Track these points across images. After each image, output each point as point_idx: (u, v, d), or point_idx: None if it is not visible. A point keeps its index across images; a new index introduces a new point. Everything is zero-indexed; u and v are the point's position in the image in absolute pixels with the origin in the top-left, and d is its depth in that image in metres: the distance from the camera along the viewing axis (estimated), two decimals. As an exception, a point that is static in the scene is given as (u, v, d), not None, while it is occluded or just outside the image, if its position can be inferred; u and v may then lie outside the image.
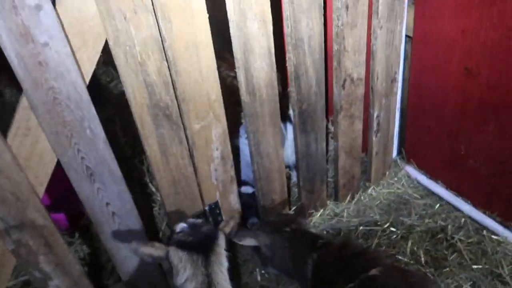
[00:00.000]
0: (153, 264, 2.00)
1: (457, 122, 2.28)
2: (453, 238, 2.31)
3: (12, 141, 1.43)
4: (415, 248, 2.29)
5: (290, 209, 2.44)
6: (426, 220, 2.45)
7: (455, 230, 2.37)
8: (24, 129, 1.45)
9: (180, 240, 1.43)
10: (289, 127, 2.49)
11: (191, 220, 1.55)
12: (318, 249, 1.69)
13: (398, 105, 2.56)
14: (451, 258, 2.21)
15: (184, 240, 1.43)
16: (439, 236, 2.34)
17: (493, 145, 2.13)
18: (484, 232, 2.31)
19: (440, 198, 2.58)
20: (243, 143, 2.38)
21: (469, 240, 2.29)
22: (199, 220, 1.56)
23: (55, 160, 1.56)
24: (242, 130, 2.46)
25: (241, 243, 1.82)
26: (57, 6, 1.30)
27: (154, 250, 1.43)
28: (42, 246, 1.65)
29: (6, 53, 1.28)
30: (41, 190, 1.57)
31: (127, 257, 1.90)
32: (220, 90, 1.75)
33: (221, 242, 1.47)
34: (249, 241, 1.81)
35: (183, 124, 1.73)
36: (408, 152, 2.78)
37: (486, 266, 2.15)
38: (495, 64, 1.94)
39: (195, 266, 1.38)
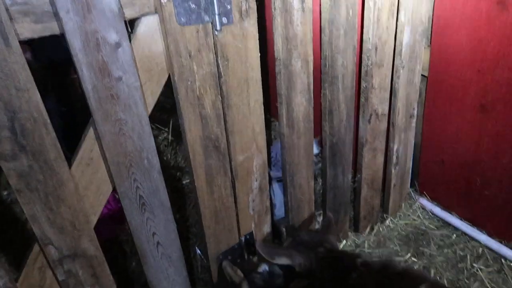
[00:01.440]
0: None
1: (472, 155, 2.43)
2: (473, 267, 2.40)
3: (75, 170, 1.47)
4: (438, 278, 2.36)
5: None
6: (445, 250, 2.53)
7: (474, 259, 2.46)
8: (87, 159, 1.49)
9: (254, 281, 1.63)
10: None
11: (274, 267, 1.68)
12: (357, 269, 1.66)
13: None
14: (473, 287, 2.28)
15: (257, 282, 1.59)
16: (459, 265, 2.43)
17: (509, 175, 2.27)
18: (503, 260, 2.41)
19: (456, 229, 2.68)
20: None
21: (489, 270, 2.38)
22: (279, 271, 1.66)
23: (110, 190, 1.60)
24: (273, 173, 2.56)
25: (274, 261, 1.81)
26: (132, 43, 1.40)
27: (234, 275, 1.66)
28: (90, 277, 1.64)
29: (83, 86, 1.34)
30: (94, 219, 1.59)
31: (166, 288, 1.90)
32: (264, 123, 1.84)
33: None
34: (283, 260, 1.80)
35: (229, 155, 1.80)
36: (421, 184, 2.90)
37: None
38: (510, 100, 2.11)
39: None
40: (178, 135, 3.27)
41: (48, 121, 1.32)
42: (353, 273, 1.68)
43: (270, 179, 2.50)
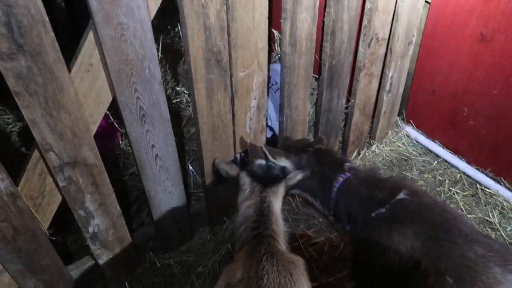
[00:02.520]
0: (184, 210, 2.08)
1: (464, 86, 2.47)
2: (450, 191, 2.56)
3: (74, 76, 1.41)
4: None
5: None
6: (426, 175, 2.68)
7: (452, 184, 2.62)
8: (86, 64, 1.43)
9: (252, 170, 1.68)
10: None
11: (271, 161, 1.74)
12: (344, 172, 1.75)
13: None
14: (449, 208, 2.46)
15: (255, 171, 1.66)
16: (438, 189, 2.58)
17: (497, 106, 2.34)
18: (478, 186, 2.57)
19: (437, 156, 2.81)
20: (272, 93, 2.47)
21: (465, 193, 2.55)
22: (278, 165, 1.74)
23: (110, 99, 1.57)
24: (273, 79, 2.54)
25: (275, 161, 1.87)
26: None
27: (231, 169, 1.76)
28: (90, 185, 1.66)
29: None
30: (93, 128, 1.58)
31: (162, 200, 1.96)
32: (267, 39, 1.79)
33: (281, 188, 1.63)
34: (283, 161, 1.85)
35: (230, 70, 1.76)
36: (409, 113, 2.97)
37: (479, 215, 2.42)
38: (510, 32, 2.11)
39: (253, 191, 1.60)
40: (168, 52, 3.15)
41: (47, 19, 1.23)
42: (339, 175, 1.75)
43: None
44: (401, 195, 1.60)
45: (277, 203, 1.57)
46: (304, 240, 2.28)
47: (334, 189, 1.75)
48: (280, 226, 1.55)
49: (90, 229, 1.78)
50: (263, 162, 1.72)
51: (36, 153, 1.50)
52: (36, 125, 1.38)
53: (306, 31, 1.89)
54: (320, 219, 2.41)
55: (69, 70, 1.39)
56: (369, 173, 1.79)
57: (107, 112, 2.02)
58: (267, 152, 1.75)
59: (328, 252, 2.25)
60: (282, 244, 1.41)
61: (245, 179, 1.63)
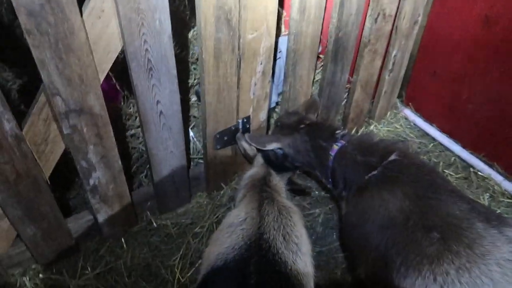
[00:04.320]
0: (183, 171, 2.09)
1: (465, 68, 2.50)
2: (443, 172, 2.60)
3: (86, 20, 1.41)
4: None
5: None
6: (421, 157, 2.72)
7: (445, 166, 2.67)
8: (98, 10, 1.43)
9: (267, 155, 1.88)
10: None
11: (285, 148, 1.93)
12: (337, 140, 1.82)
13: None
14: (442, 189, 2.50)
15: (269, 156, 1.88)
16: (432, 168, 2.63)
17: (495, 89, 2.38)
18: (471, 169, 2.62)
19: (434, 139, 2.85)
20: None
21: (458, 176, 2.59)
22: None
23: (119, 49, 1.56)
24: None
25: (265, 149, 1.94)
26: None
27: (250, 149, 1.95)
28: (94, 135, 1.67)
29: None
30: (101, 77, 1.58)
31: (163, 159, 1.97)
32: (277, 2, 1.79)
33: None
34: (273, 145, 1.94)
35: (239, 31, 1.77)
36: (408, 95, 3.00)
37: (470, 197, 2.46)
38: (515, 15, 2.14)
39: (260, 168, 1.83)
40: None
41: (63, -45, 1.23)
42: (334, 144, 1.81)
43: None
44: (392, 157, 1.67)
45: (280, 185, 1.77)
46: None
47: (330, 158, 1.82)
48: (281, 187, 1.61)
49: (91, 182, 1.79)
50: (280, 151, 1.90)
51: (42, 98, 1.51)
52: (45, 67, 1.38)
53: (316, -2, 1.90)
54: (317, 192, 2.44)
55: (81, 14, 1.38)
56: (362, 138, 1.86)
57: (110, 73, 2.03)
58: (254, 145, 1.95)
59: (322, 223, 2.30)
60: (283, 198, 1.46)
61: (259, 160, 1.82)
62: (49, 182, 1.72)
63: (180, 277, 1.92)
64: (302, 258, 1.27)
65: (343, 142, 1.81)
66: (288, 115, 2.14)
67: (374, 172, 1.65)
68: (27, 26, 1.28)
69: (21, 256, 1.88)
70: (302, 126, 1.95)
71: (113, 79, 2.35)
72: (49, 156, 1.66)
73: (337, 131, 1.87)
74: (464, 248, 1.35)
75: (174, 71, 1.71)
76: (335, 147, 1.81)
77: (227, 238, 1.26)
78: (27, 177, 1.61)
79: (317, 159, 1.88)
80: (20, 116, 1.54)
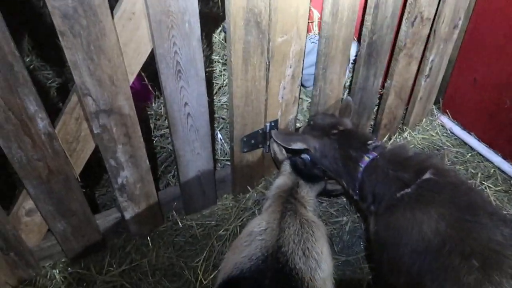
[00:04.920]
0: (210, 173, 2.10)
1: (509, 76, 2.36)
2: (482, 184, 2.47)
3: (117, 23, 1.44)
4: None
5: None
6: (458, 167, 2.59)
7: (484, 178, 2.53)
8: (129, 13, 1.45)
9: (295, 163, 1.86)
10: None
11: (311, 150, 1.90)
12: (369, 152, 1.75)
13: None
14: (479, 201, 2.37)
15: (297, 164, 1.85)
16: (470, 182, 2.50)
17: (542, 100, 2.24)
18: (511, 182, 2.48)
19: (472, 149, 2.71)
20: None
21: (497, 188, 2.45)
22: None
23: (149, 51, 1.58)
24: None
25: (290, 147, 1.90)
26: None
27: (280, 153, 1.97)
28: (122, 135, 1.70)
29: None
30: (131, 78, 1.60)
31: (190, 161, 1.98)
32: (308, 6, 1.76)
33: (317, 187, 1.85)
34: (298, 145, 1.89)
35: (268, 35, 1.75)
36: (446, 102, 2.88)
37: (511, 212, 2.33)
38: None
39: (288, 177, 1.82)
40: (206, 21, 3.16)
41: (96, -40, 1.25)
42: (365, 156, 1.74)
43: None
44: (427, 175, 1.58)
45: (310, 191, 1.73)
46: (326, 217, 2.26)
47: (360, 169, 1.74)
48: (309, 199, 1.58)
49: (119, 180, 1.83)
50: (308, 156, 1.88)
51: (74, 97, 1.55)
52: (77, 68, 1.42)
53: (349, 0, 1.85)
54: (344, 199, 2.38)
55: (112, 16, 1.41)
56: (395, 151, 1.76)
57: (142, 73, 2.06)
58: (279, 142, 1.96)
59: (350, 232, 2.23)
60: (309, 211, 1.42)
61: (286, 167, 1.81)
62: (79, 179, 1.76)
63: (203, 279, 1.92)
64: (321, 276, 1.22)
65: (375, 154, 1.74)
66: (323, 117, 2.09)
67: (408, 190, 1.56)
68: (61, 28, 1.32)
69: (52, 249, 1.94)
70: (335, 131, 1.89)
71: (145, 79, 2.40)
72: (79, 154, 1.70)
73: (370, 142, 1.79)
74: (507, 279, 1.24)
75: (203, 74, 1.72)
76: (366, 159, 1.74)
77: (245, 247, 1.24)
78: (59, 174, 1.66)
79: (345, 169, 1.82)
80: (57, 114, 1.59)
